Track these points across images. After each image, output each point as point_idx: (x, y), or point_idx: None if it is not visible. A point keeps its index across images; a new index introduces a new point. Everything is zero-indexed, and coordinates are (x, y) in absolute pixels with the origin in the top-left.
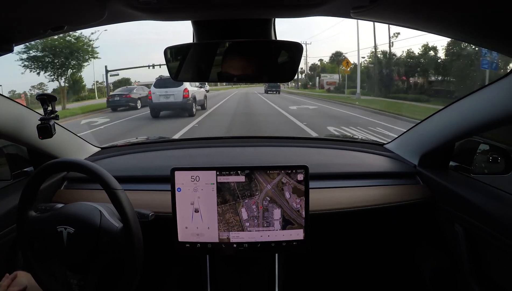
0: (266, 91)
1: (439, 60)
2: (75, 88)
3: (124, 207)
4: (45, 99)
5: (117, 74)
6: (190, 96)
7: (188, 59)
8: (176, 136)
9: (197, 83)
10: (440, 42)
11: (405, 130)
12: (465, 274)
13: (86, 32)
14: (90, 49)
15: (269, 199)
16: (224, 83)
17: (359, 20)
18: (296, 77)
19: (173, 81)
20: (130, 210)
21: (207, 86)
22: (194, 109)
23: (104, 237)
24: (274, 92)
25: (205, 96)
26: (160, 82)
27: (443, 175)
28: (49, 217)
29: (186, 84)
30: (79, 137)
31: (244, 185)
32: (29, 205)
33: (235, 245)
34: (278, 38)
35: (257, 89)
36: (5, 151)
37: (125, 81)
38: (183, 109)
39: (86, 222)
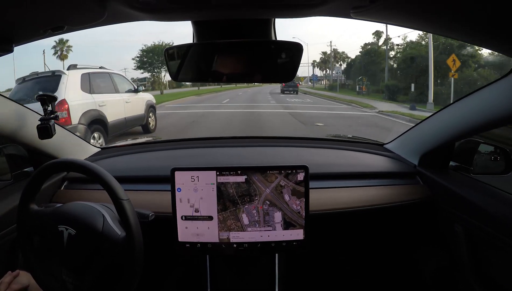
0: (283, 92)
1: None
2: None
3: (129, 218)
4: (45, 99)
5: None
6: (71, 121)
7: (188, 60)
8: None
9: (117, 86)
10: None
11: (406, 130)
12: (465, 274)
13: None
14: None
15: (269, 203)
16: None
17: None
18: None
19: (47, 85)
20: (135, 222)
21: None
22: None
23: (105, 242)
24: (292, 92)
25: (151, 108)
26: (20, 91)
27: (443, 174)
28: (50, 214)
29: (64, 90)
30: (79, 137)
31: (243, 190)
32: (32, 199)
33: (235, 245)
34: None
35: (270, 89)
36: (5, 151)
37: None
38: None
39: (88, 225)
